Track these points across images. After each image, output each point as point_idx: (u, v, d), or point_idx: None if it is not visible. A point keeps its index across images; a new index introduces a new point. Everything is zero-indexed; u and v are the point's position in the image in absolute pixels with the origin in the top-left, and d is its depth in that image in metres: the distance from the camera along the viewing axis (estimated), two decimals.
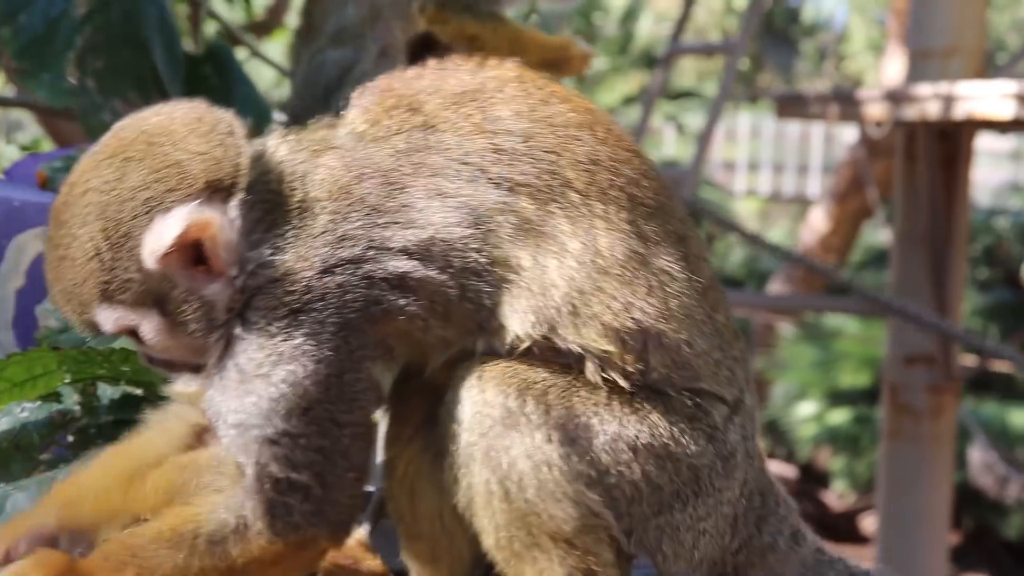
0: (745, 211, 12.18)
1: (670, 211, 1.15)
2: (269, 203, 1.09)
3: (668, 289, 1.11)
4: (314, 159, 1.11)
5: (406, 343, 1.11)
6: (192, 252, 1.07)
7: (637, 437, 1.09)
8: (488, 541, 1.10)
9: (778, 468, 7.62)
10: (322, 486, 1.07)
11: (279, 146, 1.13)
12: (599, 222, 1.10)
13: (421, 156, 1.10)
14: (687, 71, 12.95)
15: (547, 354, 1.10)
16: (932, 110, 4.47)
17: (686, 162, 6.69)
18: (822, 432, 7.60)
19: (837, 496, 7.76)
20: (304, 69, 2.46)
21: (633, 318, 1.09)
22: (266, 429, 1.06)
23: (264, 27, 5.01)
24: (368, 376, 1.09)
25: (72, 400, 1.32)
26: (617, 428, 1.09)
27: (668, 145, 11.47)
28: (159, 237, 1.05)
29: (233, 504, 1.07)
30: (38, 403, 1.32)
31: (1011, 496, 6.61)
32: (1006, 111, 4.28)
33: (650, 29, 11.74)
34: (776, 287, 7.83)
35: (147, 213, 1.06)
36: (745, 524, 1.17)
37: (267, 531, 1.07)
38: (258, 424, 1.06)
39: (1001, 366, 6.68)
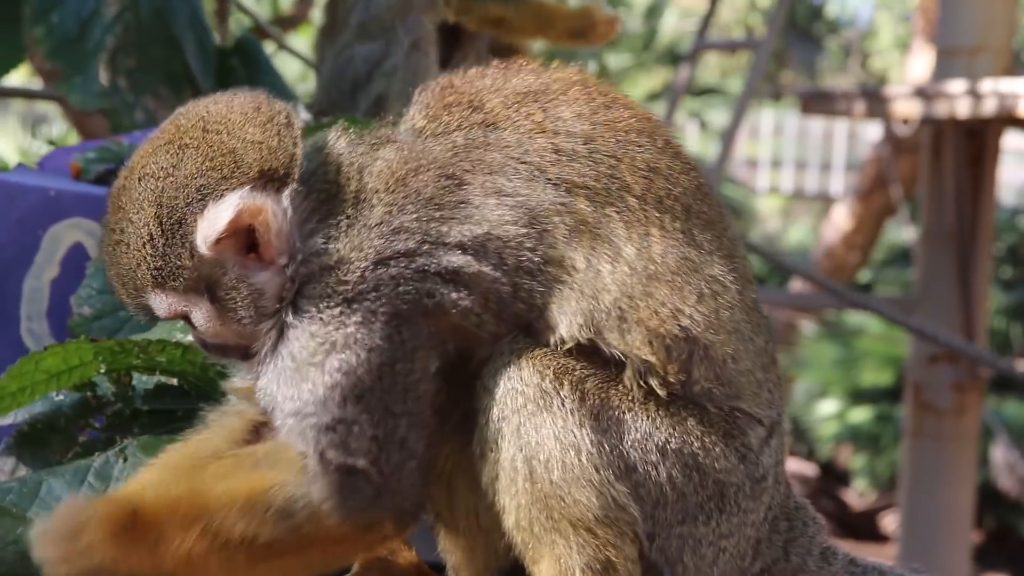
0: (767, 209, 12.15)
1: (723, 228, 1.15)
2: (324, 193, 1.10)
3: (720, 299, 1.11)
4: (373, 152, 1.12)
5: (459, 337, 1.11)
6: (244, 239, 1.07)
7: (668, 441, 1.09)
8: (509, 521, 1.10)
9: (798, 466, 7.60)
10: (380, 473, 1.07)
11: (339, 138, 1.14)
12: (654, 229, 1.10)
13: (480, 153, 1.10)
14: (711, 67, 12.91)
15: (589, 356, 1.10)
16: (962, 107, 4.45)
17: (709, 159, 6.67)
18: (843, 430, 7.57)
19: (857, 494, 7.74)
20: (330, 64, 2.46)
21: (681, 325, 1.09)
22: (322, 416, 1.07)
23: (291, 21, 5.04)
24: (422, 368, 1.09)
25: (107, 389, 1.33)
26: (649, 428, 1.09)
27: (691, 142, 11.45)
28: (212, 223, 1.06)
29: (301, 485, 1.08)
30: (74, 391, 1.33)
31: None
32: None
33: (674, 25, 11.72)
34: (798, 285, 7.80)
35: (200, 200, 1.06)
36: (770, 548, 1.17)
37: (335, 512, 1.07)
38: (314, 412, 1.07)
39: None
